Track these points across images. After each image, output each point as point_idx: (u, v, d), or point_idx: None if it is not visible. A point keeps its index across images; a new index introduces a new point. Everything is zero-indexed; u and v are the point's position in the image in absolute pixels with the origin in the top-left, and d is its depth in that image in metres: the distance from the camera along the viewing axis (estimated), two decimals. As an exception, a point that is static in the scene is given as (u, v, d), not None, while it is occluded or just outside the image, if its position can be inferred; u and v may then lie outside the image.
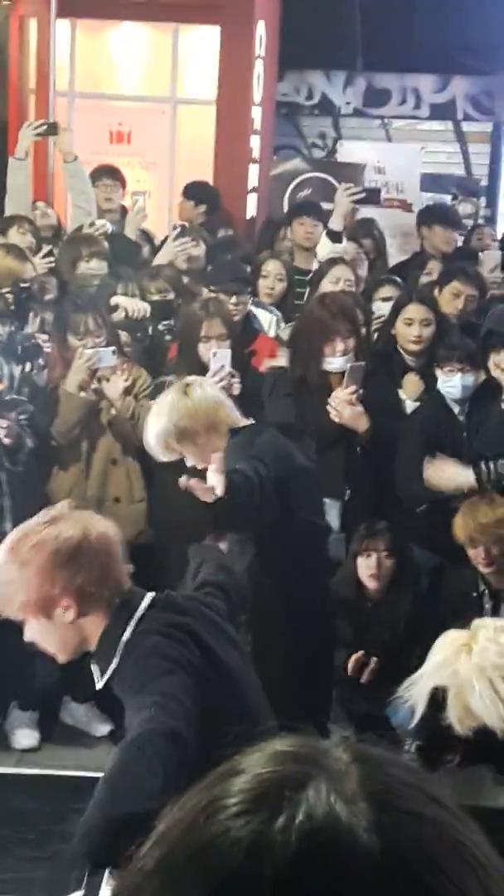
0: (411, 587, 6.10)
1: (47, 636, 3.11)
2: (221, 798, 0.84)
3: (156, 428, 4.84)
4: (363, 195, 7.69)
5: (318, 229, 7.22)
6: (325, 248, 7.55)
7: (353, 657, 5.80)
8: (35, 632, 3.11)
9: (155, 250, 8.32)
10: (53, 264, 7.38)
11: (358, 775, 0.86)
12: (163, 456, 4.94)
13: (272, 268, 7.63)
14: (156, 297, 7.08)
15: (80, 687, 6.32)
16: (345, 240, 7.59)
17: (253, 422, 5.14)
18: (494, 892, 0.84)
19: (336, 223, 7.56)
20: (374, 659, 5.82)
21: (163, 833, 0.86)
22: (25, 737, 6.12)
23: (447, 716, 3.28)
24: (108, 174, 8.99)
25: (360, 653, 5.82)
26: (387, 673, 5.93)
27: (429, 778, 0.90)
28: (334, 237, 7.49)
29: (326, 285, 7.01)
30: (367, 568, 5.99)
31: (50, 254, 7.47)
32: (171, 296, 7.16)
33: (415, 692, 3.38)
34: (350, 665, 5.80)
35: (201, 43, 11.14)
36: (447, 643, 3.46)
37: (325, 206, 8.57)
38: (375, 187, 8.53)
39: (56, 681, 6.11)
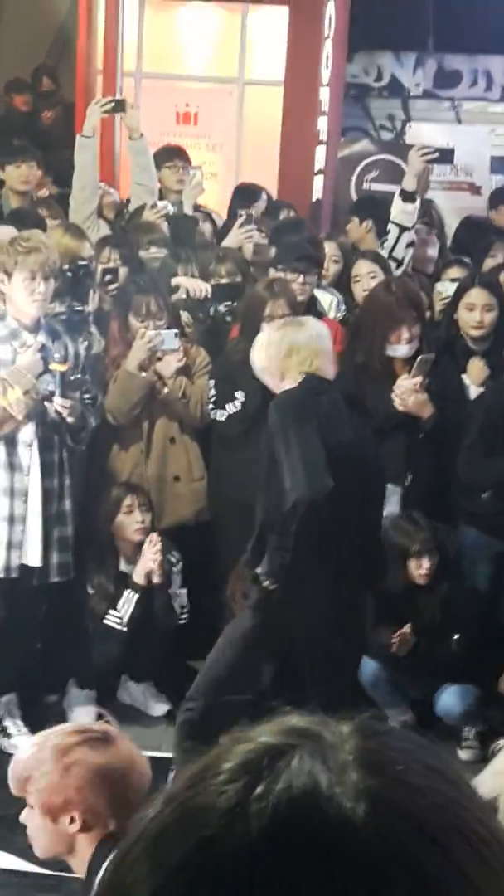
0: (447, 575, 6.10)
1: (41, 832, 3.10)
2: (211, 767, 0.85)
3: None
4: (436, 155, 7.59)
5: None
6: (397, 208, 7.47)
7: (399, 633, 5.83)
8: (31, 820, 3.12)
9: (217, 232, 8.29)
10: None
11: (353, 746, 0.84)
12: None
13: (328, 249, 7.59)
14: (224, 280, 7.03)
15: (138, 666, 6.35)
16: (418, 200, 7.48)
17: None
18: (493, 863, 0.81)
19: (409, 183, 7.46)
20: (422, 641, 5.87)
21: (157, 801, 0.87)
22: (83, 715, 6.14)
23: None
24: (177, 155, 8.96)
25: (407, 628, 5.84)
26: (428, 658, 5.95)
27: (435, 750, 0.87)
28: (407, 197, 7.40)
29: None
30: (420, 569, 5.99)
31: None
32: (239, 279, 7.12)
33: None
34: (400, 641, 5.83)
35: (270, 23, 11.08)
36: None
37: (394, 188, 8.50)
38: (449, 147, 8.39)
39: (115, 659, 6.13)
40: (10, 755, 5.74)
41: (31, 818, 3.13)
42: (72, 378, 5.83)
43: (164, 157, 8.68)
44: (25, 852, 5.03)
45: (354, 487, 5.00)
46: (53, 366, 5.76)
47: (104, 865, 2.90)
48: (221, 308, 6.95)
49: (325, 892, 0.78)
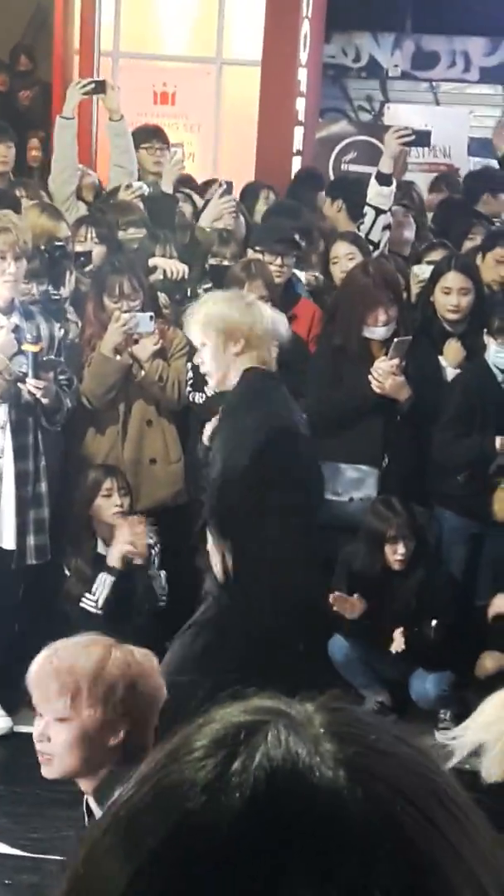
0: (424, 560, 6.10)
1: (78, 743, 3.04)
2: (182, 746, 0.85)
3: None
4: (412, 137, 7.56)
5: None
6: (373, 191, 7.45)
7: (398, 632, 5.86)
8: (62, 734, 3.05)
9: (197, 213, 8.27)
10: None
11: (321, 720, 0.85)
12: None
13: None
14: (227, 262, 6.98)
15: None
16: (394, 183, 7.46)
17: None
18: (466, 826, 0.83)
19: (385, 166, 7.43)
20: (401, 629, 5.88)
21: (132, 782, 0.86)
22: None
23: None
24: (155, 136, 8.92)
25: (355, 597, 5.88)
26: (405, 641, 5.98)
27: (397, 722, 0.91)
28: (383, 180, 7.37)
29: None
30: (396, 555, 5.99)
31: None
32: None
33: (457, 743, 3.36)
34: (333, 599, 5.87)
35: (248, 3, 11.04)
36: (498, 703, 3.47)
37: (372, 169, 8.48)
38: (426, 129, 8.36)
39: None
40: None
41: (61, 732, 3.05)
42: (44, 359, 5.81)
43: (141, 137, 8.64)
44: (4, 835, 5.06)
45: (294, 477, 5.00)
46: (26, 346, 5.74)
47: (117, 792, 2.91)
48: (200, 290, 6.93)
49: (315, 858, 0.78)
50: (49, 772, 3.13)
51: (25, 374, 5.73)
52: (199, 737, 0.85)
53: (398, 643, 5.98)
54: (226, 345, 4.92)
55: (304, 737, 0.83)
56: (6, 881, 4.75)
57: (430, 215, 9.04)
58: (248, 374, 4.93)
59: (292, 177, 9.61)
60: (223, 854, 0.78)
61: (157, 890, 0.79)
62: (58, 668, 3.08)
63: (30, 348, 5.73)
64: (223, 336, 4.91)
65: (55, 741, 3.06)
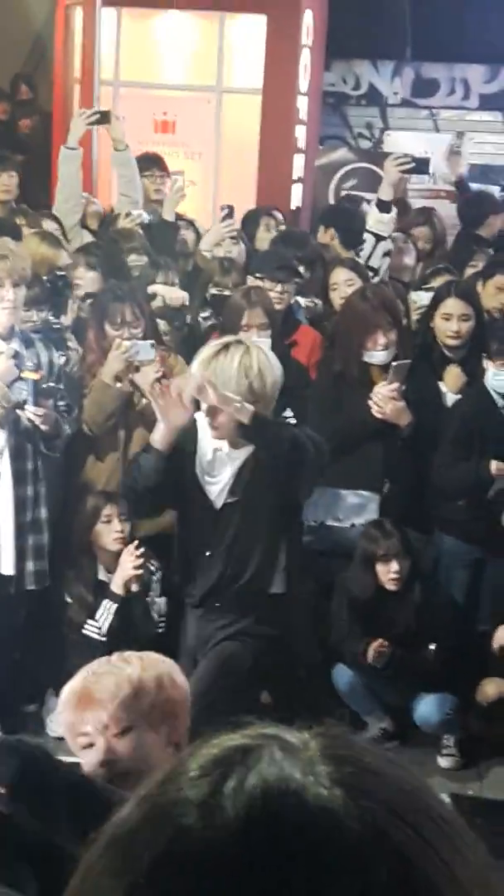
0: (418, 579, 6.10)
1: (150, 750, 2.91)
2: (179, 767, 0.86)
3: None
4: (412, 165, 7.58)
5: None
6: (373, 218, 7.47)
7: (374, 645, 5.84)
8: (141, 742, 2.92)
9: (200, 239, 8.30)
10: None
11: (316, 745, 0.86)
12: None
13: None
14: (227, 292, 6.98)
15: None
16: (394, 210, 7.48)
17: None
18: (459, 845, 0.84)
19: (385, 193, 7.46)
20: (397, 649, 5.89)
21: (129, 802, 0.86)
22: (61, 724, 6.11)
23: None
24: (156, 164, 8.97)
25: (379, 641, 5.86)
26: (405, 665, 5.96)
27: (387, 749, 0.91)
28: (383, 207, 7.40)
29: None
30: (389, 573, 5.98)
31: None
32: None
33: None
34: (376, 653, 5.86)
35: (247, 32, 11.09)
36: None
37: (372, 196, 8.51)
38: (425, 157, 8.39)
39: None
40: None
41: (133, 741, 2.90)
42: (44, 386, 5.82)
43: (141, 165, 8.69)
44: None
45: None
46: (26, 374, 5.75)
47: None
48: (200, 318, 6.95)
49: (311, 876, 0.78)
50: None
51: (24, 401, 5.74)
52: (195, 759, 0.86)
53: (372, 656, 5.95)
54: None
55: (299, 759, 0.84)
56: None
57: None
58: None
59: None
60: (218, 870, 0.78)
61: None
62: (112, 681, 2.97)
63: (30, 376, 5.74)
64: None
65: (128, 752, 2.93)
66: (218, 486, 5.22)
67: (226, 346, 5.03)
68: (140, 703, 2.91)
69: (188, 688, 3.05)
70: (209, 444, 5.20)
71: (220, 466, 5.21)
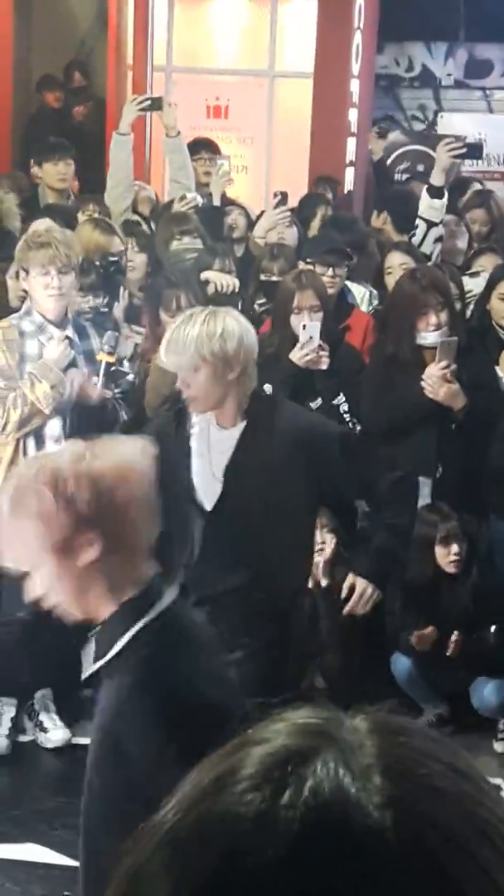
0: (475, 563, 6.08)
1: (62, 581, 2.66)
2: (231, 772, 0.84)
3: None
4: (464, 150, 7.52)
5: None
6: (424, 203, 7.45)
7: (425, 632, 5.84)
8: (47, 578, 2.67)
9: (252, 225, 8.30)
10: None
11: (373, 747, 0.83)
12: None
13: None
14: (275, 278, 6.97)
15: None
16: (446, 195, 7.45)
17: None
18: None
19: (437, 178, 7.42)
20: (455, 632, 5.86)
21: (175, 803, 0.85)
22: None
23: None
24: (206, 148, 8.99)
25: (431, 628, 5.85)
26: (463, 649, 5.95)
27: (453, 748, 0.87)
28: (434, 193, 7.36)
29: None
30: (449, 556, 5.97)
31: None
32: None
33: None
34: (418, 638, 5.85)
35: (299, 15, 11.07)
36: None
37: (426, 179, 8.47)
38: (478, 142, 8.33)
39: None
40: (47, 749, 5.84)
41: (42, 577, 2.67)
42: (112, 370, 5.84)
43: (192, 150, 8.70)
44: (60, 846, 5.08)
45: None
46: (101, 356, 5.77)
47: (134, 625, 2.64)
48: (256, 305, 6.94)
49: None
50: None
51: (83, 385, 5.75)
52: (247, 763, 0.84)
53: (452, 649, 5.97)
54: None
55: (354, 767, 0.82)
56: (66, 892, 4.77)
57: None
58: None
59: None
60: (271, 889, 0.78)
61: None
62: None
63: (105, 358, 5.76)
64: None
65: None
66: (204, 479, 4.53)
67: (191, 315, 4.53)
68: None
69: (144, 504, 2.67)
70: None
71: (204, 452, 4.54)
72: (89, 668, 2.75)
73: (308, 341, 5.94)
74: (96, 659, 2.71)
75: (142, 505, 2.66)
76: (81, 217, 7.46)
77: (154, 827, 0.85)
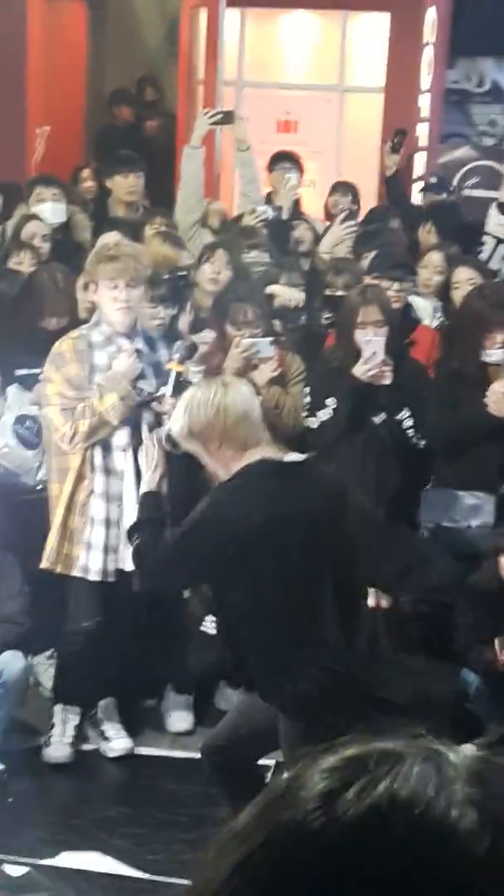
0: None
1: None
2: (318, 760, 0.85)
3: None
4: None
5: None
6: (493, 220, 7.44)
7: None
8: None
9: (319, 239, 8.32)
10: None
11: (469, 765, 0.84)
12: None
13: (434, 259, 7.55)
14: (340, 293, 6.98)
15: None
16: None
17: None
18: None
19: None
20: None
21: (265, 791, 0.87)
22: (180, 720, 6.19)
23: None
24: (287, 159, 9.03)
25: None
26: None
27: None
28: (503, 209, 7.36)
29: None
30: None
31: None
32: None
33: None
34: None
35: (370, 30, 11.09)
36: None
37: (494, 194, 8.46)
38: None
39: (212, 665, 6.17)
40: (110, 758, 5.89)
41: None
42: (181, 380, 5.87)
43: (274, 160, 8.77)
44: (122, 854, 5.12)
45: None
46: (171, 365, 5.78)
47: None
48: (324, 320, 6.96)
49: (410, 891, 0.77)
50: None
51: (150, 396, 5.77)
52: (333, 753, 0.85)
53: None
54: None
55: (440, 774, 0.82)
56: (126, 901, 4.81)
57: None
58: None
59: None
60: (323, 866, 0.78)
61: (252, 888, 0.80)
62: None
63: (175, 367, 5.78)
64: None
65: None
66: None
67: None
68: None
69: None
70: None
71: None
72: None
73: (372, 356, 5.95)
74: None
75: None
76: (148, 230, 7.52)
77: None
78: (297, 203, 8.86)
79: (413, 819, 0.79)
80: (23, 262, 7.16)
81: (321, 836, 0.79)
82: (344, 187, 9.31)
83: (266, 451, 4.45)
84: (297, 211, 8.83)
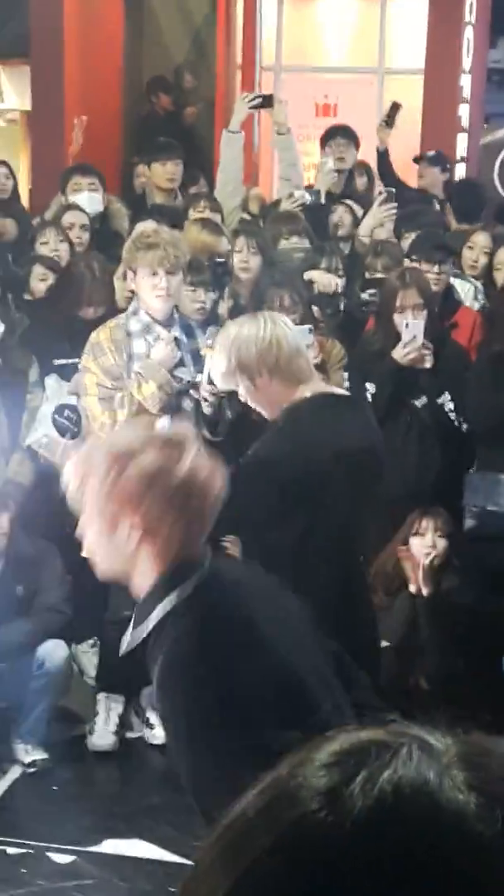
0: None
1: (99, 544, 2.79)
2: (310, 755, 0.84)
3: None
4: None
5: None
6: None
7: None
8: (89, 529, 2.80)
9: (358, 222, 8.28)
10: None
11: (456, 749, 0.83)
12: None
13: (481, 240, 7.47)
14: (379, 275, 6.94)
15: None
16: None
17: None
18: None
19: None
20: None
21: (254, 788, 0.85)
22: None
23: None
24: (342, 133, 8.98)
25: None
26: None
27: None
28: None
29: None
30: None
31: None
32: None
33: None
34: None
35: (409, 11, 11.01)
36: None
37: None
38: None
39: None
40: (154, 745, 5.89)
41: (88, 527, 2.80)
42: None
43: (329, 135, 8.77)
44: (166, 842, 5.12)
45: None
46: (205, 350, 5.77)
47: (165, 600, 2.70)
48: (365, 295, 6.91)
49: (433, 876, 0.76)
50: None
51: (189, 383, 5.75)
52: (330, 746, 0.84)
53: None
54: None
55: (436, 761, 0.82)
56: (170, 888, 4.81)
57: None
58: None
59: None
60: (336, 860, 0.77)
61: (262, 893, 0.78)
62: None
63: (209, 352, 5.76)
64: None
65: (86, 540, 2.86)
66: None
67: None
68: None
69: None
70: None
71: None
72: (124, 644, 2.81)
73: (411, 340, 5.90)
74: (133, 637, 2.77)
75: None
76: (193, 214, 7.49)
77: (232, 811, 0.85)
78: (350, 178, 8.80)
79: (423, 807, 0.78)
80: (48, 242, 7.08)
81: (331, 835, 0.78)
82: (360, 167, 9.26)
83: (318, 385, 4.30)
84: (350, 189, 8.78)
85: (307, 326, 6.20)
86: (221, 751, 2.53)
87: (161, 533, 2.72)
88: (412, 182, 9.27)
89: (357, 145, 8.93)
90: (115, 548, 2.75)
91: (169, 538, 2.73)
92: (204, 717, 2.57)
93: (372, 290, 6.81)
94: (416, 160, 9.40)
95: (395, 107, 8.48)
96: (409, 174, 9.50)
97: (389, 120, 9.09)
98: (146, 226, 6.58)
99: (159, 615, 2.71)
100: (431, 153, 9.33)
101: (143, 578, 2.76)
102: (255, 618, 2.77)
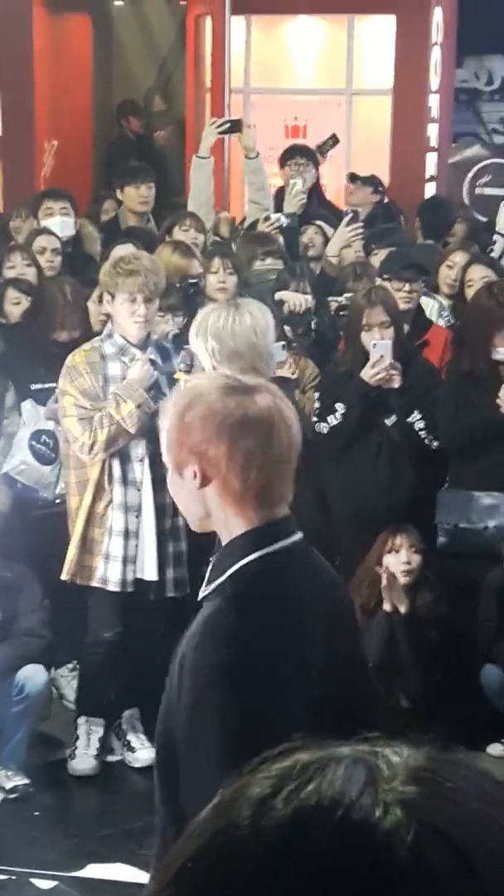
0: None
1: (177, 494, 2.77)
2: (253, 775, 0.85)
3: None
4: None
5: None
6: (502, 220, 7.43)
7: None
8: (169, 485, 2.84)
9: (327, 241, 8.32)
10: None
11: (409, 762, 0.83)
12: None
13: (459, 259, 7.49)
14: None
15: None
16: None
17: None
18: None
19: None
20: None
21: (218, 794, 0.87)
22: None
23: None
24: (301, 153, 9.01)
25: None
26: None
27: (497, 779, 0.85)
28: None
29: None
30: None
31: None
32: None
33: None
34: None
35: (377, 32, 11.08)
36: None
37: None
38: None
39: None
40: (135, 769, 5.88)
41: (171, 482, 2.78)
42: None
43: (287, 155, 8.78)
44: (148, 865, 5.09)
45: None
46: (179, 374, 5.79)
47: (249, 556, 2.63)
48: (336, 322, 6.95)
49: (336, 891, 0.77)
50: None
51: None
52: (283, 761, 0.85)
53: None
54: None
55: (371, 777, 0.81)
56: None
57: None
58: None
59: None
60: (251, 869, 0.79)
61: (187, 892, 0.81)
62: None
63: (182, 376, 5.79)
64: None
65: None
66: None
67: None
68: None
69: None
70: None
71: None
72: (203, 589, 2.74)
73: (379, 360, 5.93)
74: (207, 583, 2.71)
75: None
76: (177, 232, 7.52)
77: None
78: (318, 195, 8.84)
79: (334, 820, 0.79)
80: (15, 266, 7.03)
81: (248, 842, 0.79)
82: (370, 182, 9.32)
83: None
84: (319, 202, 8.81)
85: (281, 343, 6.24)
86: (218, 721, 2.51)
87: (229, 480, 2.63)
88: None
89: (317, 165, 8.98)
90: (187, 492, 2.69)
91: (242, 485, 2.63)
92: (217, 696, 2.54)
93: (344, 312, 6.85)
94: (351, 179, 9.42)
95: (334, 139, 8.53)
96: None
97: (323, 147, 9.18)
98: (125, 250, 6.60)
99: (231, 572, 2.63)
100: (366, 175, 9.37)
101: (221, 528, 2.69)
102: (306, 623, 2.68)
